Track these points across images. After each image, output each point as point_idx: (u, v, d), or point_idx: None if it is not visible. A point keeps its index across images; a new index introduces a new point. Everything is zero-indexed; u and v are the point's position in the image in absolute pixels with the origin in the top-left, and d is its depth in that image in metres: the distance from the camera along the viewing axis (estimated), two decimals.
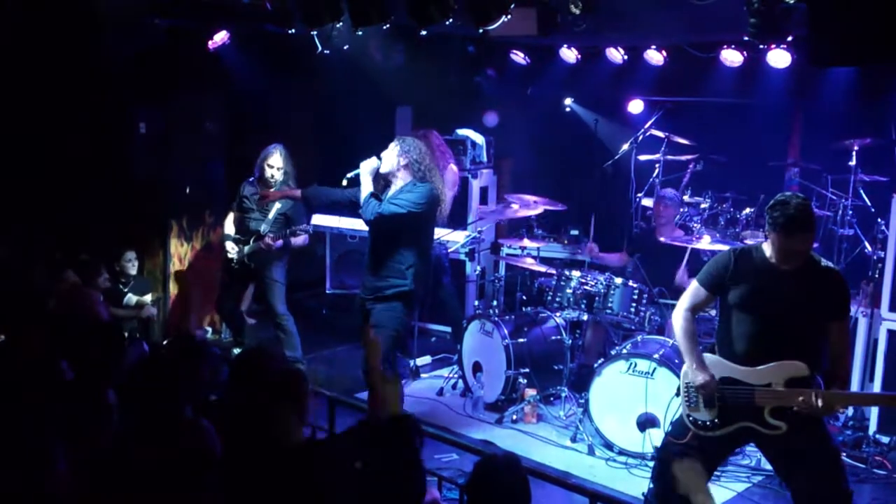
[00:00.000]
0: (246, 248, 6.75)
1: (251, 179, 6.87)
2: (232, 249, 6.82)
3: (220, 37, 7.12)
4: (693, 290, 4.14)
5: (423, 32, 5.69)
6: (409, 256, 5.38)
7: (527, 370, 6.30)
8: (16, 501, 2.71)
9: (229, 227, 7.01)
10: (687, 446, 3.97)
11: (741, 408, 3.90)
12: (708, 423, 3.99)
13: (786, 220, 3.74)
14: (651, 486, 4.28)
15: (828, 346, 3.89)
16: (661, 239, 6.33)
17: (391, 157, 5.39)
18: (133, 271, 7.22)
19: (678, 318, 4.13)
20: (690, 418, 4.05)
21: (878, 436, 5.80)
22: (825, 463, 3.84)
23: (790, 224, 3.74)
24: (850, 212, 6.44)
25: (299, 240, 6.78)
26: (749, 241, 6.18)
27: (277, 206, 6.72)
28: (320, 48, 6.62)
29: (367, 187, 5.36)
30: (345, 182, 5.48)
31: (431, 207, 5.38)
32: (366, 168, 5.39)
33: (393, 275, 5.38)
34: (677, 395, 4.19)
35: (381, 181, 5.46)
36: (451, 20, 5.39)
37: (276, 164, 6.73)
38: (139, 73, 7.02)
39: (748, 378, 3.90)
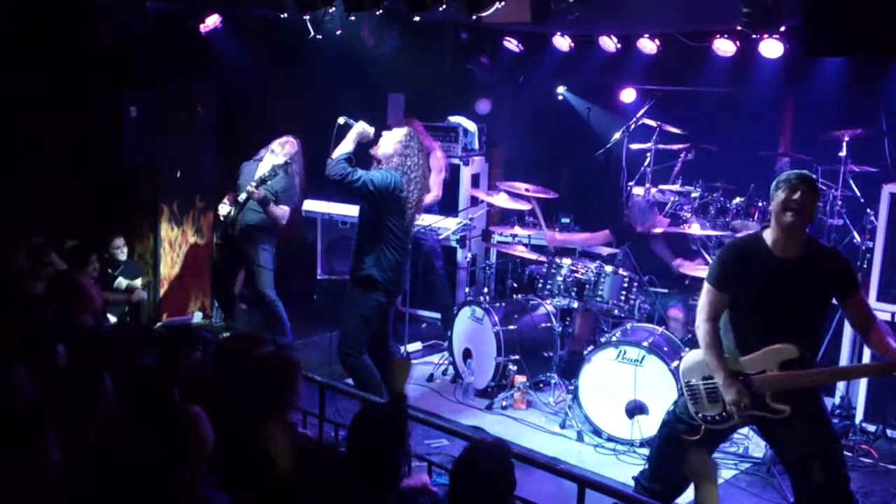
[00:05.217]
0: (233, 211, 6.77)
1: (257, 158, 6.93)
2: (222, 208, 6.88)
3: (213, 21, 7.08)
4: (706, 294, 4.00)
5: (416, 18, 5.67)
6: (371, 241, 5.40)
7: (517, 357, 6.32)
8: (9, 490, 2.71)
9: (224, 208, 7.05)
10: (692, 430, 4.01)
11: (744, 408, 3.87)
12: (717, 416, 4.01)
13: (788, 175, 3.83)
14: (646, 467, 4.32)
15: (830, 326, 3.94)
16: (654, 230, 6.37)
17: (390, 143, 5.38)
18: (123, 257, 7.21)
19: (700, 331, 4.00)
20: (700, 415, 4.05)
21: (864, 424, 5.86)
22: (826, 449, 3.86)
23: (793, 177, 3.80)
24: (840, 202, 6.47)
25: (278, 211, 6.73)
26: (738, 230, 6.21)
27: (268, 184, 6.73)
28: (312, 33, 6.59)
29: (346, 148, 5.30)
30: (340, 120, 5.40)
31: (386, 194, 5.27)
32: (358, 129, 5.35)
33: (357, 258, 5.45)
34: (680, 395, 4.20)
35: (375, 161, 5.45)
36: (444, 6, 5.38)
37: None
38: (130, 57, 6.97)
39: (744, 367, 3.90)
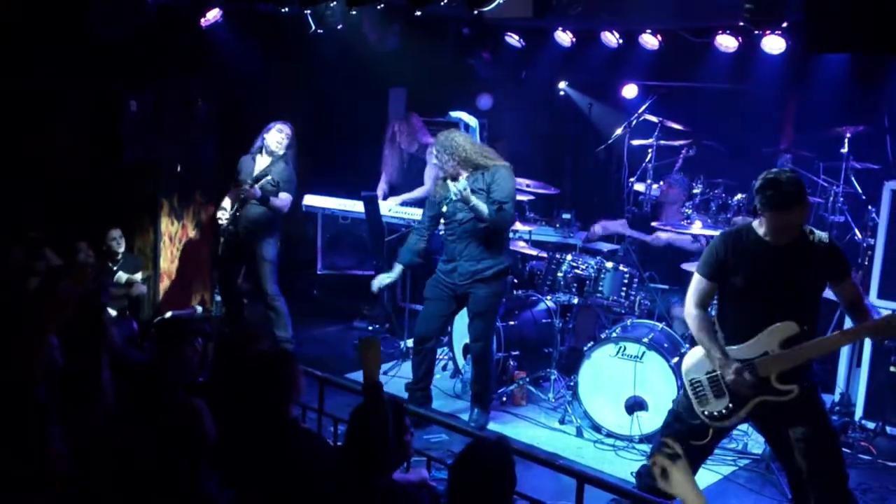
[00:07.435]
0: (226, 214, 6.76)
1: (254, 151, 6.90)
2: (222, 215, 6.86)
3: (213, 15, 7.07)
4: (696, 283, 4.05)
5: (418, 13, 5.67)
6: (492, 238, 5.59)
7: (517, 353, 6.32)
8: (14, 483, 2.70)
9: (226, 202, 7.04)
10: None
11: (749, 385, 3.87)
12: (724, 411, 3.97)
13: (782, 197, 3.69)
14: (647, 462, 4.32)
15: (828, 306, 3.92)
16: (654, 224, 6.36)
17: (443, 166, 5.53)
18: (120, 249, 7.18)
19: (689, 317, 4.03)
20: (705, 413, 4.00)
21: (863, 421, 5.85)
22: (825, 446, 3.86)
23: (786, 201, 3.69)
24: (841, 199, 6.46)
25: (279, 202, 6.70)
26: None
27: (268, 178, 6.72)
28: (314, 28, 6.59)
29: (472, 199, 5.37)
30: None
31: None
32: (453, 188, 5.44)
33: (482, 259, 5.58)
34: (682, 395, 4.16)
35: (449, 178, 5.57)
36: (445, 1, 5.38)
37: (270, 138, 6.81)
38: (130, 52, 6.96)
39: (745, 354, 3.88)
